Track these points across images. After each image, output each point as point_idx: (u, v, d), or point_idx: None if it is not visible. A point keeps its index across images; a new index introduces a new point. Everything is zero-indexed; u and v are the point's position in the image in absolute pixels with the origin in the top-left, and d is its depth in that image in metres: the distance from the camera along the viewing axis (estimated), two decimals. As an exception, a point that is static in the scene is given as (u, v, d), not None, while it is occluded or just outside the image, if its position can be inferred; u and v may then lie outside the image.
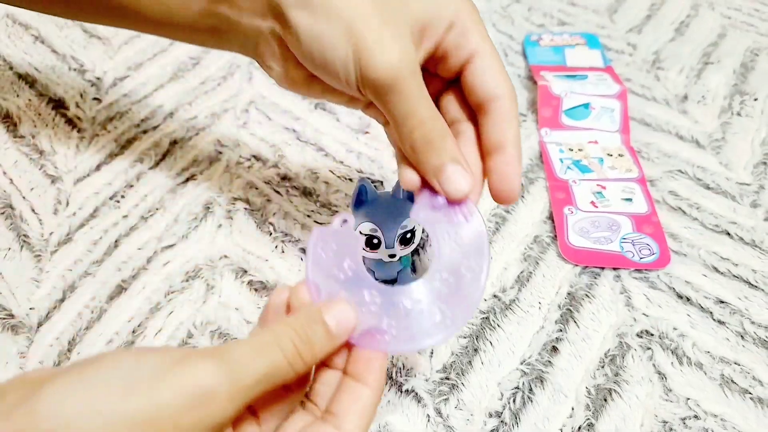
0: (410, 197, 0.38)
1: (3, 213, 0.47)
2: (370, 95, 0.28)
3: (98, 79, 0.59)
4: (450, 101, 0.31)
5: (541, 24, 0.67)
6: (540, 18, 0.67)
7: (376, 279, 0.37)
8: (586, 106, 0.53)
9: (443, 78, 0.31)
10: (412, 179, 0.29)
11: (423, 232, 0.38)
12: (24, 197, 0.49)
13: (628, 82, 0.58)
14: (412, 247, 0.38)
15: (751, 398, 0.36)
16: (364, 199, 0.38)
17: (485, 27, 0.29)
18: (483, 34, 0.29)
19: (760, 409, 0.35)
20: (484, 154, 0.29)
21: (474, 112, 0.30)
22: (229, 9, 0.31)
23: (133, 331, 0.40)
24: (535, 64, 0.59)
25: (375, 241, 0.37)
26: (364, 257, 0.39)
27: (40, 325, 0.41)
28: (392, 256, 0.37)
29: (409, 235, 0.37)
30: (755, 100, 0.56)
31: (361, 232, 0.37)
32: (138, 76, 0.59)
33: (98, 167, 0.51)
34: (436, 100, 0.31)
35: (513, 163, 0.29)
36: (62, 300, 0.43)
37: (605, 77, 0.56)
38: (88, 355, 0.39)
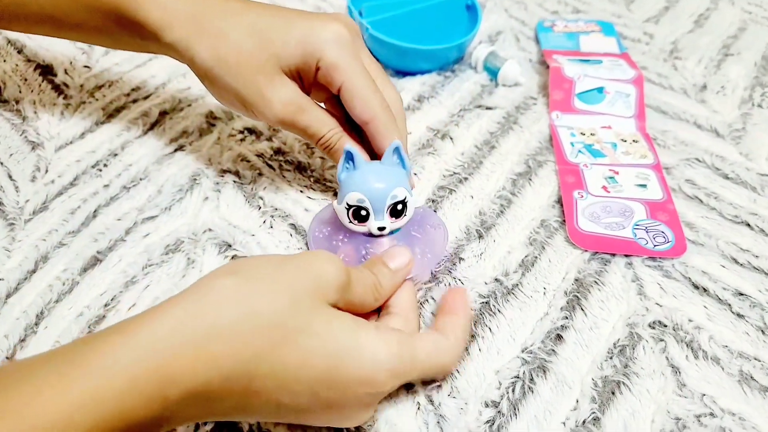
0: (402, 164, 0.35)
1: (-21, 179, 0.45)
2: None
3: (90, 46, 0.56)
4: None
5: (555, 11, 0.64)
6: (554, 5, 0.65)
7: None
8: (600, 90, 0.50)
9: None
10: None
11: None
12: (2, 163, 0.46)
13: (645, 71, 0.55)
14: (404, 219, 0.35)
15: (773, 398, 0.33)
16: (350, 167, 0.35)
17: (356, 54, 0.36)
18: (348, 66, 0.35)
19: (783, 409, 0.32)
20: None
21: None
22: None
23: (106, 305, 0.37)
24: (548, 49, 0.56)
25: (363, 212, 0.34)
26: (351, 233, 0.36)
27: (8, 296, 0.39)
28: (381, 228, 0.34)
29: (400, 207, 0.34)
30: (778, 91, 0.53)
31: (348, 204, 0.34)
32: (132, 47, 0.57)
33: (83, 135, 0.48)
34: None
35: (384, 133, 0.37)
36: (33, 271, 0.40)
37: (621, 62, 0.53)
38: (56, 329, 0.36)
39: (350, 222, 0.35)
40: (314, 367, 0.25)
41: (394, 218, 0.35)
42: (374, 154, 0.39)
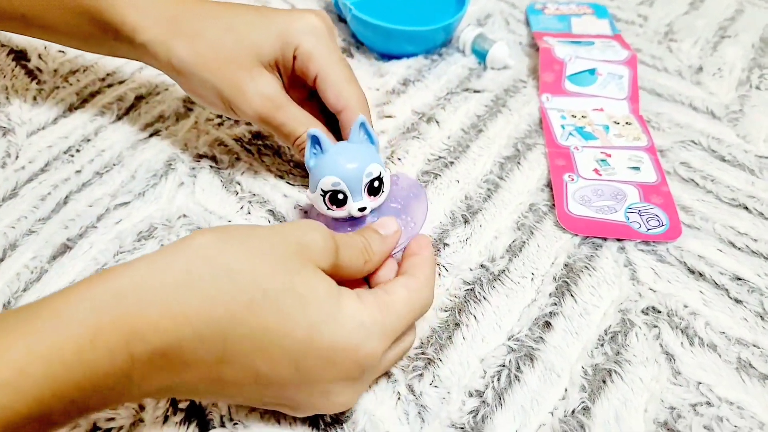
0: (370, 139, 0.34)
1: (-53, 166, 0.43)
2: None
3: (66, 33, 0.54)
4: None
5: (546, -6, 0.62)
6: (545, -12, 0.63)
7: None
8: (592, 71, 0.49)
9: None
10: None
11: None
12: (-29, 150, 0.45)
13: (638, 53, 0.54)
14: (383, 196, 0.33)
15: (772, 385, 0.31)
16: (318, 151, 0.33)
17: (331, 45, 0.36)
18: (325, 56, 0.36)
19: (783, 397, 0.30)
20: None
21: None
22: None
23: (74, 293, 0.36)
24: (538, 31, 0.55)
25: (340, 196, 0.32)
26: (331, 221, 0.35)
27: (-25, 285, 0.37)
28: (362, 209, 0.33)
29: (377, 183, 0.33)
30: (776, 73, 0.51)
31: (323, 190, 0.33)
32: None
33: (55, 120, 0.46)
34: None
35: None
36: (1, 260, 0.38)
37: (613, 44, 0.52)
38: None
39: (328, 209, 0.33)
40: (295, 330, 0.24)
41: (372, 196, 0.33)
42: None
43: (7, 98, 0.48)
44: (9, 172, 0.43)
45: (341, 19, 0.57)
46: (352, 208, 0.33)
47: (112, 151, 0.43)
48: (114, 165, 0.42)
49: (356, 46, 0.54)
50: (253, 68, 0.35)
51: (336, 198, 0.32)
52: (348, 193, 0.32)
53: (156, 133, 0.45)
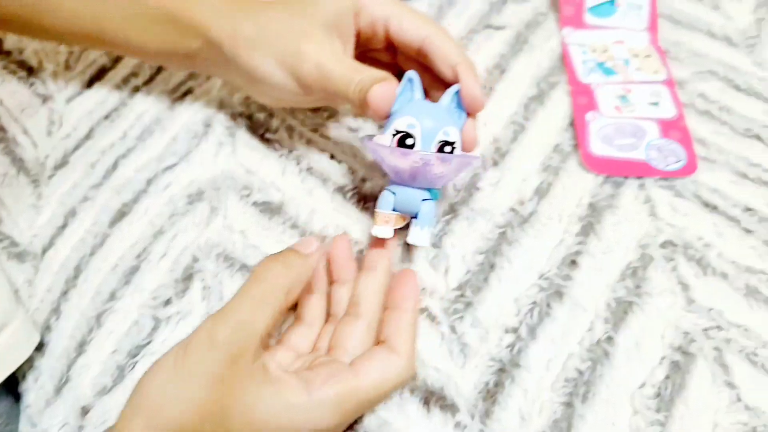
0: (461, 110, 0.35)
1: (-5, 136, 0.46)
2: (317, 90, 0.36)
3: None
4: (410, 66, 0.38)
5: None
6: None
7: (394, 210, 0.34)
8: (612, 2, 0.49)
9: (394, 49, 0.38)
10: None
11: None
12: (15, 119, 0.47)
13: (656, -25, 0.53)
14: (450, 164, 0.33)
15: (777, 308, 0.35)
16: (407, 96, 0.34)
17: None
18: (386, 1, 0.36)
19: (787, 318, 0.34)
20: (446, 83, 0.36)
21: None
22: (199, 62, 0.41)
23: (138, 256, 0.39)
24: (554, -43, 0.54)
25: (410, 141, 0.32)
26: (386, 173, 0.36)
27: (44, 252, 0.41)
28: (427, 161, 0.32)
29: (448, 149, 0.32)
30: (795, -10, 0.51)
31: (396, 129, 0.32)
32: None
33: (90, 84, 0.48)
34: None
35: (467, 78, 0.35)
36: (64, 226, 0.41)
37: (632, -31, 0.51)
38: (94, 281, 0.38)
39: (392, 147, 0.32)
40: None
41: (440, 154, 0.32)
42: None
43: (40, 62, 0.49)
44: (56, 140, 0.45)
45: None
46: (418, 155, 0.32)
47: (149, 114, 0.45)
48: (155, 129, 0.45)
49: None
50: (313, 34, 0.35)
51: (404, 142, 0.32)
52: (419, 142, 0.32)
53: (189, 91, 0.47)
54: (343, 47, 0.36)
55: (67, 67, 0.49)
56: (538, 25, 0.50)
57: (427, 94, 0.37)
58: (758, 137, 0.42)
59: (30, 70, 0.49)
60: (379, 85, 0.32)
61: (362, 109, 0.34)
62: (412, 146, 0.32)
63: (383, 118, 0.34)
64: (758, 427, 0.31)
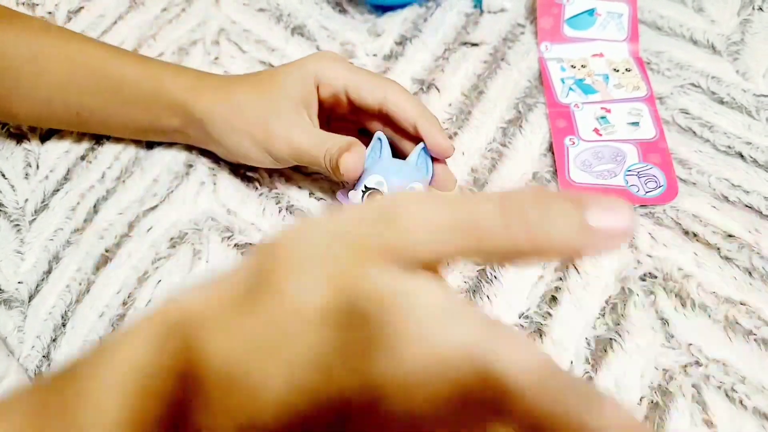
0: (427, 168, 0.37)
1: (-26, 180, 0.45)
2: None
3: (50, 13, 0.53)
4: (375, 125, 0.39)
5: None
6: None
7: None
8: (591, 12, 0.48)
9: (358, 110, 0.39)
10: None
11: None
12: (-8, 161, 0.46)
13: (639, -23, 0.52)
14: None
15: (755, 340, 0.35)
16: (376, 155, 0.36)
17: (344, 61, 0.39)
18: (345, 69, 0.38)
19: (765, 351, 0.35)
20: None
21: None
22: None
23: (124, 303, 0.40)
24: (533, -39, 0.52)
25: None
26: None
27: (31, 298, 0.41)
28: None
29: None
30: (781, -11, 0.50)
31: (366, 186, 0.35)
32: (93, 7, 0.54)
33: (64, 122, 0.47)
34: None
35: (428, 133, 0.36)
36: (49, 272, 0.41)
37: (612, -26, 0.50)
38: (82, 329, 0.38)
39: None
40: None
41: None
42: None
43: (12, 100, 0.49)
44: (34, 183, 0.45)
45: (328, -35, 0.55)
46: None
47: (127, 154, 0.45)
48: (134, 170, 0.44)
49: (347, -2, 0.53)
50: (281, 111, 0.37)
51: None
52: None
53: (165, 127, 0.46)
54: (310, 118, 0.38)
55: (41, 103, 0.48)
56: (515, 39, 0.49)
57: (397, 147, 0.38)
58: (740, 155, 0.42)
59: (3, 108, 0.49)
60: (347, 154, 0.34)
61: (335, 174, 0.35)
62: None
63: (355, 181, 0.34)
64: (734, 464, 0.32)
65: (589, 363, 0.35)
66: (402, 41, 0.49)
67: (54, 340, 0.39)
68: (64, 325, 0.40)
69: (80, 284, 0.41)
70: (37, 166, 0.46)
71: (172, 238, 0.41)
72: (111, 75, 0.40)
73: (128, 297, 0.40)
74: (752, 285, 0.37)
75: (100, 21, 0.53)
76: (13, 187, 0.45)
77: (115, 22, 0.53)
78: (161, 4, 0.54)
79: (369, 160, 0.36)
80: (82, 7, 0.54)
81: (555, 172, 0.42)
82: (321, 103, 0.39)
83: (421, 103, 0.37)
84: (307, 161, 0.37)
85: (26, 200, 0.44)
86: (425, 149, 0.36)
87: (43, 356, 0.39)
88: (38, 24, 0.43)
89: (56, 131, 0.47)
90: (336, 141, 0.35)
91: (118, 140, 0.46)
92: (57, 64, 0.40)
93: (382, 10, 0.51)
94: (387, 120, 0.38)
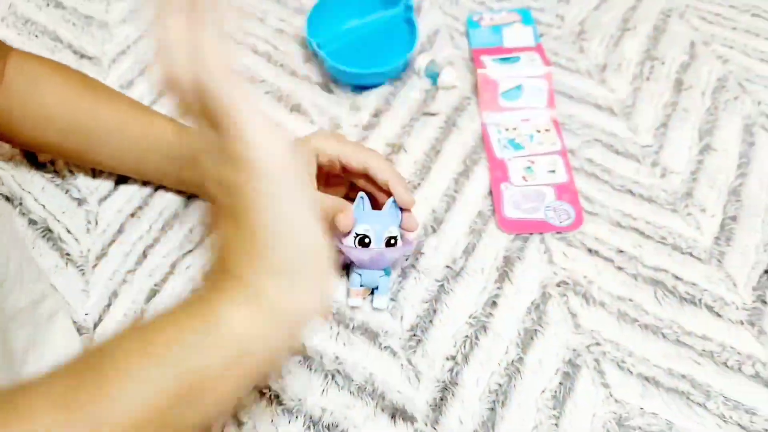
0: (397, 214, 0.49)
1: (44, 236, 0.58)
2: None
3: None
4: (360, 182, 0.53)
5: (482, 1, 0.74)
6: (480, -5, 0.75)
7: (361, 285, 0.49)
8: (519, 88, 0.63)
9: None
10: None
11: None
12: (58, 220, 0.59)
13: (556, 57, 0.67)
14: (395, 249, 0.48)
15: (638, 326, 0.48)
16: (361, 209, 0.49)
17: (336, 136, 0.51)
18: (337, 142, 0.50)
19: (646, 333, 0.48)
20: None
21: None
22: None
23: (172, 324, 0.52)
24: (476, 48, 0.68)
25: (366, 240, 0.47)
26: (352, 262, 0.50)
27: (95, 326, 0.53)
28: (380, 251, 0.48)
29: (393, 240, 0.48)
30: (662, 64, 0.65)
31: (356, 233, 0.47)
32: (131, 93, 0.67)
33: (116, 187, 0.60)
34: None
35: (397, 190, 0.49)
36: (109, 305, 0.54)
37: (535, 57, 0.65)
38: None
39: (356, 248, 0.48)
40: None
41: (387, 247, 0.48)
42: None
43: (71, 171, 0.62)
44: (94, 236, 0.58)
45: (315, 55, 0.70)
46: (373, 250, 0.47)
47: (168, 211, 0.58)
48: (174, 223, 0.57)
49: (333, 81, 0.67)
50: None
51: (363, 241, 0.47)
52: (373, 240, 0.47)
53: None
54: (311, 179, 0.50)
55: (94, 174, 0.61)
56: (464, 109, 0.63)
57: (375, 200, 0.51)
58: (630, 192, 0.56)
59: (64, 178, 0.62)
60: (341, 215, 0.47)
61: (331, 227, 0.48)
62: (369, 244, 0.47)
63: (348, 231, 0.48)
64: (623, 414, 0.45)
65: (520, 347, 0.48)
66: (377, 114, 0.64)
67: (116, 356, 0.51)
68: (124, 343, 0.52)
69: (135, 313, 0.53)
70: (96, 222, 0.59)
71: (206, 273, 0.54)
72: (171, 140, 0.53)
73: (174, 319, 0.52)
74: (637, 286, 0.50)
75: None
76: (77, 240, 0.58)
77: (151, 104, 0.66)
78: (184, 91, 0.68)
79: (356, 212, 0.48)
80: (121, 96, 0.68)
81: (494, 210, 0.56)
82: (320, 167, 0.50)
83: (392, 167, 0.50)
84: None
85: (89, 250, 0.57)
86: (395, 202, 0.49)
87: (107, 369, 0.51)
88: (124, 97, 0.57)
89: (109, 194, 0.60)
90: (330, 202, 0.48)
91: (160, 200, 0.59)
92: (134, 128, 0.54)
93: (361, 89, 0.66)
94: (368, 178, 0.51)
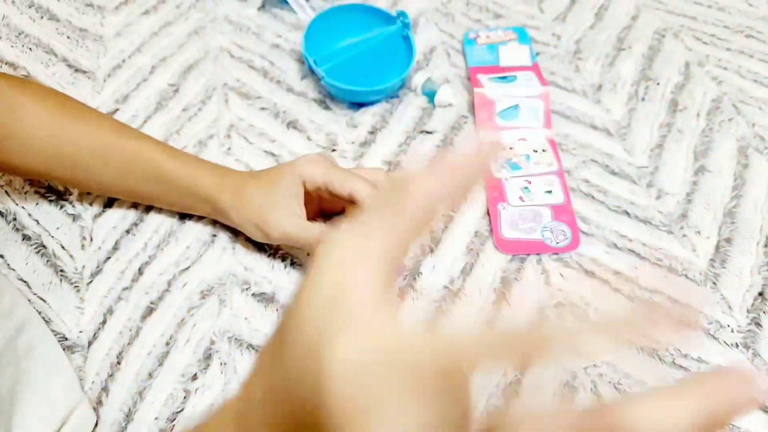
0: None
1: (38, 252, 0.57)
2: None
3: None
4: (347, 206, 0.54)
5: (478, 19, 0.75)
6: (477, 13, 0.75)
7: None
8: (516, 107, 0.63)
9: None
10: None
11: None
12: (52, 236, 0.59)
13: (552, 76, 0.68)
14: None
15: (634, 348, 0.49)
16: None
17: (324, 163, 0.51)
18: (323, 170, 0.50)
19: (642, 355, 0.48)
20: None
21: None
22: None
23: (167, 343, 0.52)
24: (473, 66, 0.68)
25: None
26: None
27: (90, 344, 0.53)
28: None
29: None
30: (657, 84, 0.66)
31: None
32: (127, 108, 0.67)
33: (111, 202, 0.60)
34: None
35: None
36: (104, 322, 0.53)
37: (531, 76, 0.65)
38: (134, 365, 0.50)
39: None
40: None
41: None
42: None
43: (65, 188, 0.62)
44: (89, 253, 0.57)
45: (312, 72, 0.70)
46: None
47: (164, 228, 0.58)
48: (170, 240, 0.57)
49: (330, 98, 0.67)
50: (276, 205, 0.50)
51: None
52: None
53: (192, 205, 0.59)
54: (299, 206, 0.51)
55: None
56: (460, 128, 0.64)
57: None
58: (626, 212, 0.57)
59: (58, 194, 0.61)
60: None
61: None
62: None
63: None
64: None
65: (517, 369, 0.48)
66: (374, 131, 0.64)
67: (111, 376, 0.51)
68: (119, 363, 0.52)
69: (130, 330, 0.53)
70: (91, 239, 0.58)
71: (202, 291, 0.54)
72: (160, 169, 0.53)
73: (170, 338, 0.52)
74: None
75: (133, 120, 0.66)
76: (72, 256, 0.57)
77: (146, 121, 0.66)
78: (181, 105, 0.67)
79: None
80: (117, 109, 0.67)
81: (491, 230, 0.56)
82: (308, 193, 0.51)
83: (380, 194, 0.50)
84: (293, 243, 0.51)
85: (83, 266, 0.57)
86: None
87: (102, 389, 0.51)
88: (107, 122, 0.56)
89: (104, 211, 0.60)
90: (318, 230, 0.49)
91: (156, 216, 0.59)
92: (119, 156, 0.54)
93: (358, 106, 0.66)
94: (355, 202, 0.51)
